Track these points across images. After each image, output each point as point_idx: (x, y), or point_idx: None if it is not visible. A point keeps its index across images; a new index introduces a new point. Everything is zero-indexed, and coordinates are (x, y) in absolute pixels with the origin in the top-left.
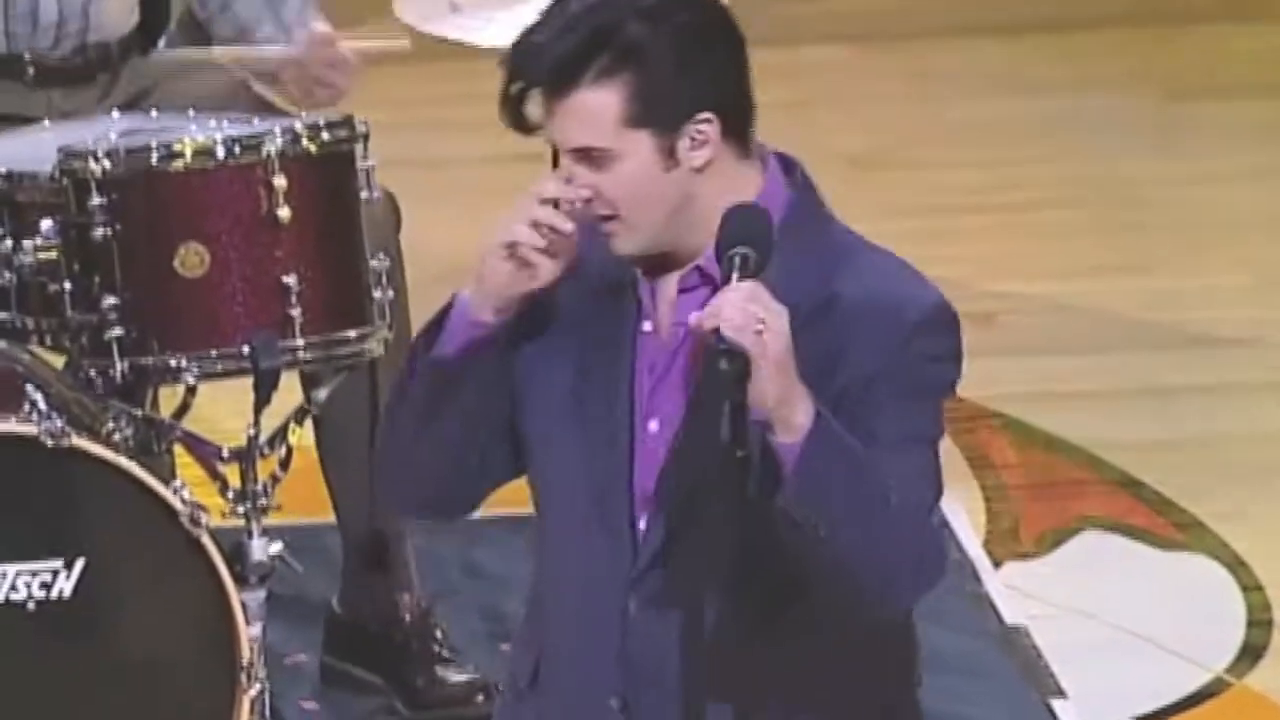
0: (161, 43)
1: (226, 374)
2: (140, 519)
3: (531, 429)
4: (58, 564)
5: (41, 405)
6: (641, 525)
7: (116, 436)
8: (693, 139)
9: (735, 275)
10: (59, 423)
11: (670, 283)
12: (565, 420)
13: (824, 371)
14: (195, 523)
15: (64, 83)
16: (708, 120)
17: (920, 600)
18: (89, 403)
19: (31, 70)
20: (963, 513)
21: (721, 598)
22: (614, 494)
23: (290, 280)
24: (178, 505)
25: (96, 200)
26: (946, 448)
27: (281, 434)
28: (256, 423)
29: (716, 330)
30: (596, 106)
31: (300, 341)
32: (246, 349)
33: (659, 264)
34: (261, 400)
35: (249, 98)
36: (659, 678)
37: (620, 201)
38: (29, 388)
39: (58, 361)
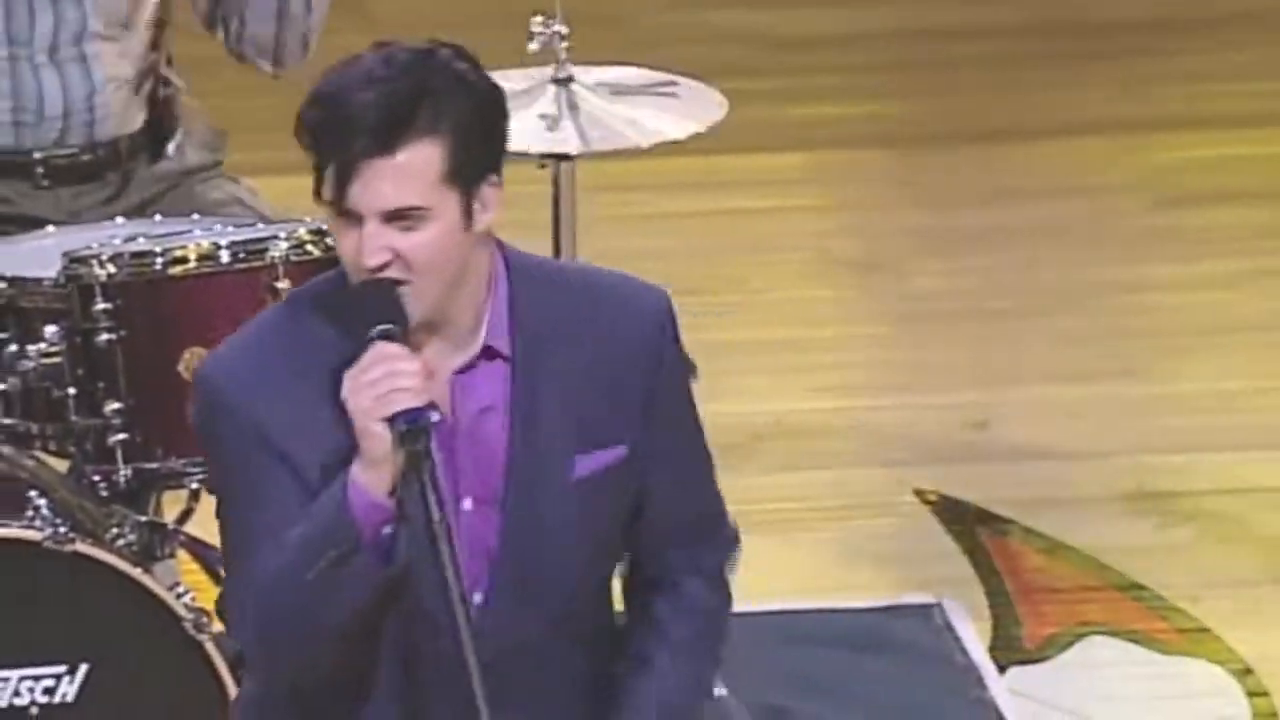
0: (171, 148)
1: None
2: (144, 624)
3: None
4: (61, 669)
5: (45, 510)
6: (477, 599)
7: (120, 542)
8: (482, 203)
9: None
10: (62, 528)
11: (437, 357)
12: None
13: (616, 406)
14: (199, 628)
15: (74, 180)
16: (495, 184)
17: None
18: (92, 508)
19: (41, 170)
20: (967, 618)
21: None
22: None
23: None
24: (181, 611)
25: (101, 305)
26: (952, 551)
27: None
28: None
29: (393, 419)
30: (421, 162)
31: None
32: None
33: (424, 339)
34: None
35: (247, 208)
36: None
37: (421, 265)
38: (32, 493)
39: (61, 467)
